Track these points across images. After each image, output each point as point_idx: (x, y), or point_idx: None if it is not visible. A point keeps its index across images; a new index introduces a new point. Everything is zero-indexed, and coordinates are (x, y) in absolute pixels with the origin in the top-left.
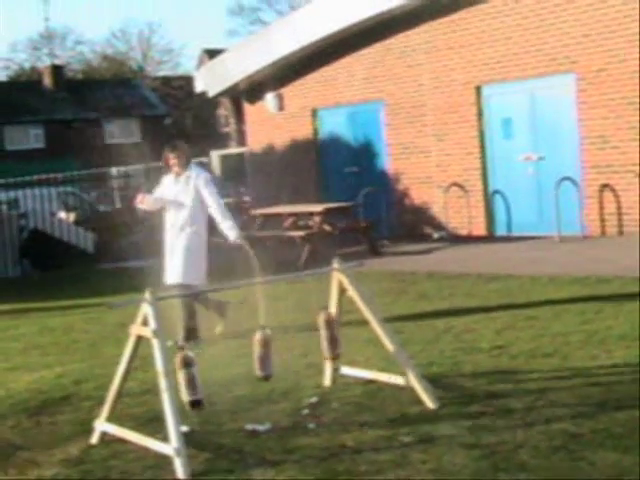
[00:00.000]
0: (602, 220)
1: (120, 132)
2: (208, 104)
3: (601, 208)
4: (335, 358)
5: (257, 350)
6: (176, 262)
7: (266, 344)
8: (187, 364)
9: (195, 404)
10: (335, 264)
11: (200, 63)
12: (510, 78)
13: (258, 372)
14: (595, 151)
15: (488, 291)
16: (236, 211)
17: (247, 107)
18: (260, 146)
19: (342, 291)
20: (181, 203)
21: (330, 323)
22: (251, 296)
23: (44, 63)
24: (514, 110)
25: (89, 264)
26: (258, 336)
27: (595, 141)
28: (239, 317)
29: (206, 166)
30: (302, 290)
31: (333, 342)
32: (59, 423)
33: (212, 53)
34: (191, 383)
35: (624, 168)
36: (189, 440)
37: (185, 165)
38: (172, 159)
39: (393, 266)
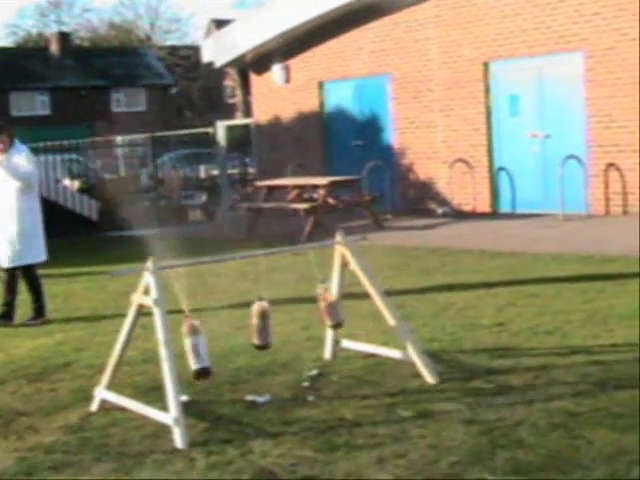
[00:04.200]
0: (607, 199)
1: (126, 101)
2: (215, 74)
3: (606, 187)
4: (336, 327)
5: (255, 321)
6: (10, 245)
7: (264, 315)
8: (194, 332)
9: (200, 373)
10: (338, 237)
11: (207, 33)
12: (518, 55)
13: (255, 341)
14: (601, 130)
15: (491, 268)
16: (241, 182)
17: (254, 78)
18: (266, 118)
19: (344, 264)
20: (8, 185)
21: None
22: (253, 267)
23: (51, 30)
24: (521, 87)
25: (93, 232)
26: (256, 307)
27: (602, 120)
28: (242, 288)
29: (211, 137)
30: (304, 262)
31: (332, 312)
32: (59, 390)
33: (220, 23)
34: (196, 351)
35: (630, 147)
36: (188, 410)
37: (8, 148)
38: None
39: (396, 241)
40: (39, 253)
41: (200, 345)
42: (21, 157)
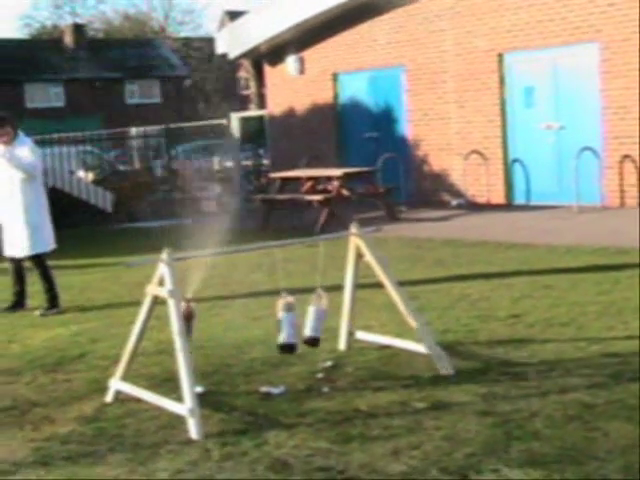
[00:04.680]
0: (622, 191)
1: (140, 92)
2: (229, 66)
3: (621, 179)
4: (309, 342)
5: (281, 317)
6: (19, 235)
7: (290, 310)
8: (189, 317)
9: None
10: (353, 229)
11: (221, 25)
12: (533, 46)
13: (282, 340)
14: (617, 121)
15: (505, 259)
16: (255, 174)
17: (268, 70)
18: (280, 109)
19: (359, 256)
20: (13, 176)
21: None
22: (267, 258)
23: (66, 22)
24: (536, 78)
25: (107, 223)
26: (281, 302)
27: (617, 111)
28: (256, 279)
29: (225, 128)
30: (318, 253)
31: (314, 323)
32: (74, 381)
33: (234, 15)
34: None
35: None
36: (203, 401)
37: (12, 139)
38: (0, 134)
39: (410, 232)
40: (47, 243)
41: (191, 329)
42: (24, 149)
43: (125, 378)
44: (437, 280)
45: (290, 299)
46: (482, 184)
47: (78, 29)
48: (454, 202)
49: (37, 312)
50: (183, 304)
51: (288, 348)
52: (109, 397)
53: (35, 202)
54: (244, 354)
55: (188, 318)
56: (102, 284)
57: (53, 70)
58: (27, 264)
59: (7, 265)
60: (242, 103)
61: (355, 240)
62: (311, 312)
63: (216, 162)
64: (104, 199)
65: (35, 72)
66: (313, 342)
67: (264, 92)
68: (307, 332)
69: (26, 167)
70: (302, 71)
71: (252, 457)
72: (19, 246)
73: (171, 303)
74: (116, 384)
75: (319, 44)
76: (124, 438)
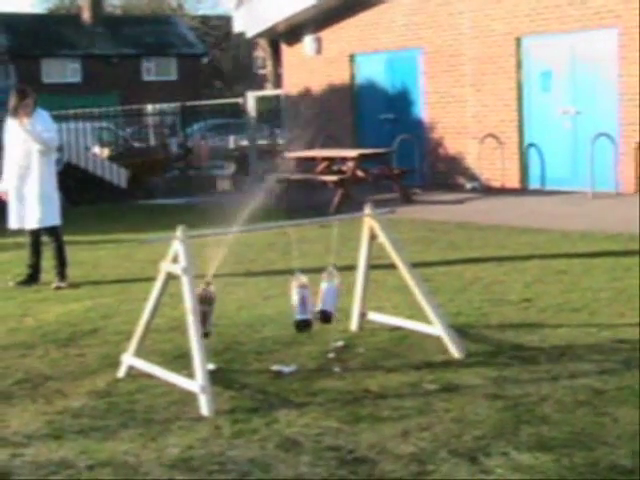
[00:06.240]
0: (637, 178)
1: (157, 70)
2: (246, 45)
3: (637, 166)
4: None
5: (295, 295)
6: (33, 207)
7: (303, 288)
8: (205, 301)
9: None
10: (367, 210)
11: (239, 3)
12: (551, 30)
13: (298, 316)
14: (633, 108)
15: (519, 244)
16: (270, 153)
17: (285, 49)
18: (296, 89)
19: (373, 237)
20: (30, 148)
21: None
22: (281, 238)
23: None
24: (554, 63)
25: (121, 200)
26: (295, 282)
27: (634, 97)
28: (270, 258)
29: (241, 107)
30: (332, 234)
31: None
32: (87, 355)
33: None
34: (204, 318)
35: None
36: (215, 378)
37: (32, 112)
38: (21, 106)
39: (425, 215)
40: (58, 215)
41: (210, 313)
42: (45, 122)
43: (138, 354)
44: (450, 263)
45: (303, 279)
46: (497, 168)
47: (96, 5)
48: (469, 185)
49: (53, 285)
50: (201, 288)
51: (303, 325)
52: (121, 372)
53: (49, 175)
54: (256, 332)
55: (208, 302)
56: (116, 260)
57: (70, 46)
58: (45, 238)
59: (24, 239)
60: (258, 82)
61: (369, 221)
62: (323, 289)
63: (232, 141)
64: (119, 175)
65: (52, 47)
66: (325, 317)
67: (281, 72)
68: (320, 306)
69: (46, 140)
70: (319, 51)
71: (262, 435)
72: (32, 218)
73: (185, 280)
74: (128, 359)
75: (337, 25)
76: (135, 413)
